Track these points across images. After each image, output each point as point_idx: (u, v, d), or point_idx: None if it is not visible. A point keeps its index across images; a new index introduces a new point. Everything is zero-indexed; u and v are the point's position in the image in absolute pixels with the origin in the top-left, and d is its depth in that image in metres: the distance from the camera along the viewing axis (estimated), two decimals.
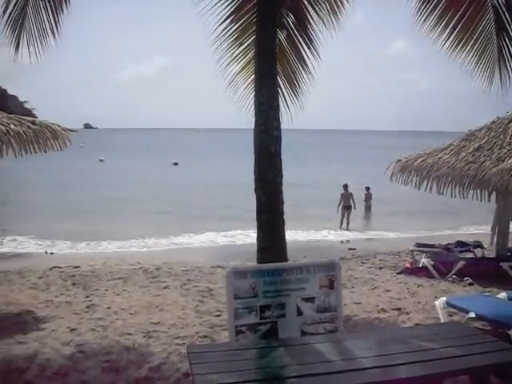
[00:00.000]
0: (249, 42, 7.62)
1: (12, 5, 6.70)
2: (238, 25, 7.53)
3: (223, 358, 3.83)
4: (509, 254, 10.03)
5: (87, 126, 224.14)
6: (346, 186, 19.92)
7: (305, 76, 7.91)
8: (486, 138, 9.79)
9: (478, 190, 9.29)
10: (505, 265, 9.39)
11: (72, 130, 7.78)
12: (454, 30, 7.58)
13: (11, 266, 10.98)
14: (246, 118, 7.48)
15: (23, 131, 6.48)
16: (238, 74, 7.94)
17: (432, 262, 9.96)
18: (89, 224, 18.30)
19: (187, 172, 39.85)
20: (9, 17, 6.75)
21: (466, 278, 9.27)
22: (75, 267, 10.65)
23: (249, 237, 14.94)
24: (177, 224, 18.64)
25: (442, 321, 6.31)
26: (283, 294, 4.70)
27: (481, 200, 9.38)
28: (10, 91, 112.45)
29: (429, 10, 7.41)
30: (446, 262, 9.93)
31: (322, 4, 7.45)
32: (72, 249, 14.97)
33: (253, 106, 6.80)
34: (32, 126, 6.75)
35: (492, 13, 7.58)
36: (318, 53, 7.72)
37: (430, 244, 10.78)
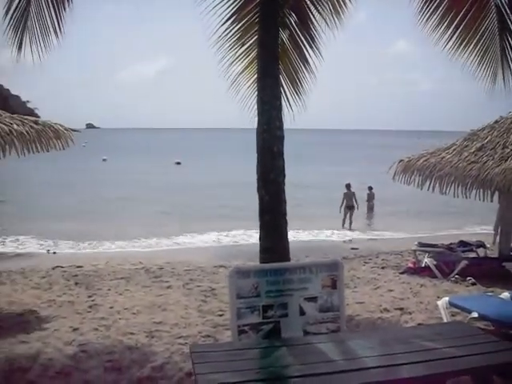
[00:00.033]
0: (251, 41, 7.60)
1: (14, 5, 6.70)
2: (240, 25, 7.51)
3: (226, 357, 3.83)
4: None
5: (90, 126, 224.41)
6: (348, 186, 19.89)
7: (307, 75, 7.90)
8: (489, 137, 9.77)
9: (481, 190, 9.25)
10: (508, 264, 9.38)
11: (75, 130, 7.79)
12: (457, 30, 7.55)
13: (14, 266, 11.02)
14: (248, 117, 7.49)
15: (26, 131, 6.49)
16: (241, 73, 7.93)
17: (435, 262, 9.95)
18: (91, 224, 18.31)
19: (189, 172, 39.84)
20: (11, 17, 6.75)
21: (468, 278, 9.26)
22: (78, 267, 10.68)
23: (251, 237, 14.95)
24: (179, 224, 18.65)
25: (445, 321, 6.30)
26: (286, 294, 4.70)
27: (483, 200, 9.35)
28: (13, 91, 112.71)
29: (431, 10, 7.38)
30: (448, 261, 9.92)
31: (325, 3, 7.43)
32: (75, 249, 15.00)
33: (255, 106, 6.80)
34: (35, 125, 6.77)
35: (495, 12, 7.55)
36: (320, 52, 7.70)
37: (433, 244, 10.76)
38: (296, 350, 3.96)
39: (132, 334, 6.28)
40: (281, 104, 6.71)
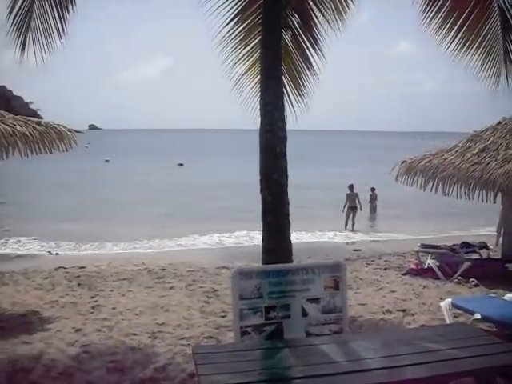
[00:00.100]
0: (254, 42, 7.61)
1: (18, 6, 6.71)
2: (243, 26, 7.52)
3: (228, 358, 3.83)
4: None
5: (92, 127, 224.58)
6: (351, 187, 19.85)
7: (309, 76, 7.90)
8: (492, 138, 9.77)
9: (484, 191, 9.25)
10: (510, 266, 9.35)
11: (77, 131, 7.79)
12: (460, 31, 7.55)
13: (16, 267, 11.03)
14: (251, 118, 7.49)
15: (29, 132, 6.50)
16: (244, 74, 7.93)
17: (437, 263, 9.94)
18: (94, 225, 18.33)
19: (192, 173, 39.85)
20: (14, 18, 6.75)
21: (471, 279, 9.24)
22: (80, 268, 10.69)
23: (254, 238, 14.94)
24: (182, 225, 18.65)
25: (448, 322, 6.29)
26: (288, 295, 4.70)
27: (486, 201, 9.35)
28: (16, 92, 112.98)
29: (434, 11, 7.38)
30: (451, 263, 9.90)
31: (327, 4, 7.44)
32: (77, 250, 15.01)
33: (258, 107, 6.80)
34: (38, 126, 6.77)
35: (498, 13, 7.54)
36: (323, 53, 7.72)
37: (436, 245, 10.74)
38: (298, 352, 3.96)
39: (134, 334, 6.28)
40: (283, 105, 6.72)
